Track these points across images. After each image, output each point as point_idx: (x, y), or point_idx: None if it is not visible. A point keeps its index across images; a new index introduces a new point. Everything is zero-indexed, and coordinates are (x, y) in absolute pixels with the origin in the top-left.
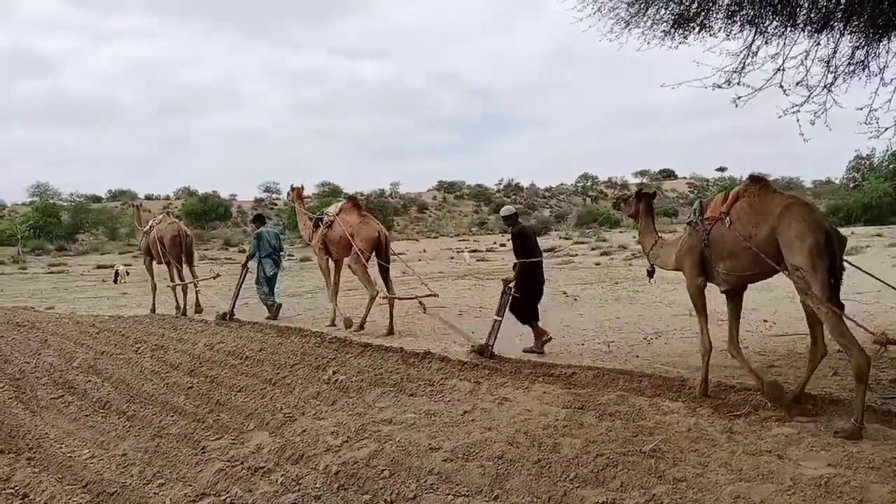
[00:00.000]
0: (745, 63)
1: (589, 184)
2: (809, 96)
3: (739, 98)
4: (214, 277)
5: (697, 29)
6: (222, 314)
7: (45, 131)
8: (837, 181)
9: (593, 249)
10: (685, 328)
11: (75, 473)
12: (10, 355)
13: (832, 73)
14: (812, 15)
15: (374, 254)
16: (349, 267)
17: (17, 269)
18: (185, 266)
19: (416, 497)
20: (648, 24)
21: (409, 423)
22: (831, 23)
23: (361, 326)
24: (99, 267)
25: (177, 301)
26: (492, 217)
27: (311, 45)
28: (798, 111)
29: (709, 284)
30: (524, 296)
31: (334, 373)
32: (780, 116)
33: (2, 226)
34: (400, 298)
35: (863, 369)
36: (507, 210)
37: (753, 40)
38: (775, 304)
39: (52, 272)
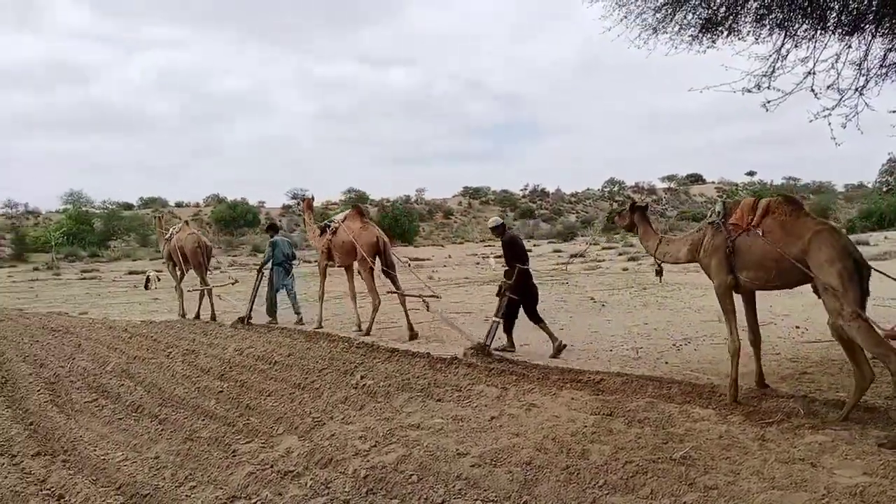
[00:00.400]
0: (774, 67)
1: (615, 189)
2: (841, 100)
3: (769, 102)
4: (233, 283)
5: (726, 33)
6: (239, 318)
7: (78, 140)
8: (870, 185)
9: (620, 255)
10: (715, 334)
11: (109, 475)
12: (46, 360)
13: (864, 75)
14: (843, 17)
15: (379, 260)
16: (359, 273)
17: (52, 276)
18: (203, 273)
19: (444, 502)
20: (676, 29)
21: (436, 428)
22: (863, 25)
23: (367, 333)
24: (131, 273)
25: (187, 307)
26: (517, 223)
27: (339, 53)
28: (829, 115)
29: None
30: (523, 302)
31: (362, 377)
32: (811, 121)
33: (36, 233)
34: (407, 295)
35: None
36: (493, 221)
37: (783, 44)
38: (808, 311)
39: (84, 278)
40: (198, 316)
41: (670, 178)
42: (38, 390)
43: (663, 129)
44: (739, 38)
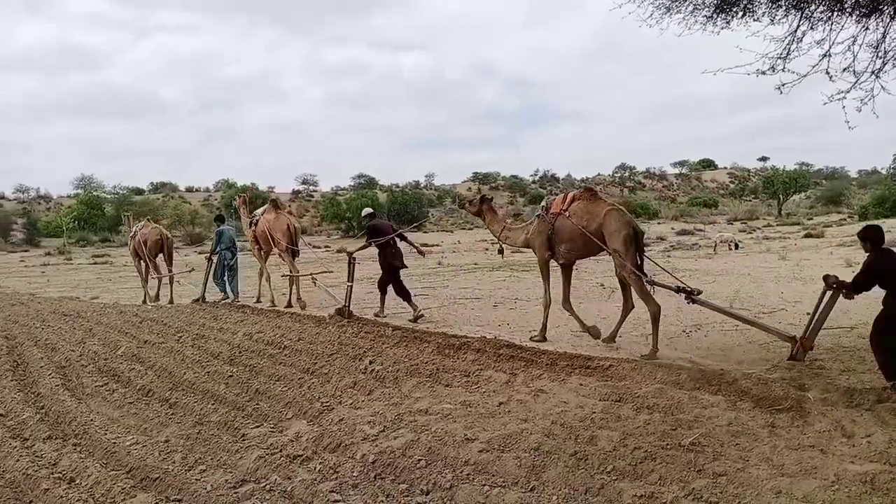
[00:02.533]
0: (789, 49)
1: (626, 174)
2: (856, 83)
3: (784, 85)
4: (190, 271)
5: (741, 13)
6: (194, 299)
7: (89, 125)
8: (884, 171)
9: None
10: (725, 321)
11: (119, 459)
12: (57, 344)
13: (881, 58)
14: None
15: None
16: (280, 256)
17: (63, 260)
18: (166, 264)
19: (452, 487)
20: (690, 9)
21: (444, 413)
22: (881, 6)
23: (272, 303)
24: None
25: (150, 295)
26: (527, 209)
27: (350, 37)
28: (844, 98)
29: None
30: (384, 274)
31: (371, 363)
32: (825, 103)
33: (48, 218)
34: (299, 275)
35: (656, 315)
36: (366, 210)
37: (799, 25)
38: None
39: (96, 263)
40: (157, 298)
41: (682, 164)
42: (50, 374)
43: (676, 114)
44: (754, 19)
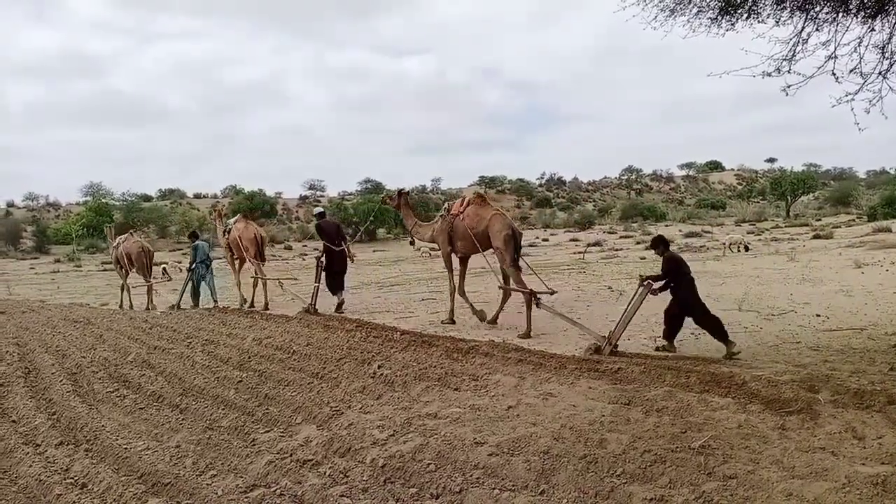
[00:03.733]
0: (795, 50)
1: (633, 177)
2: (864, 84)
3: (790, 86)
4: (168, 280)
5: (745, 15)
6: (171, 306)
7: (96, 131)
8: (892, 171)
9: (638, 244)
10: (734, 323)
11: (131, 464)
12: (68, 350)
13: (888, 59)
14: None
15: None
16: (250, 262)
17: (73, 267)
18: (146, 273)
19: (461, 491)
20: (694, 11)
21: (454, 417)
22: (886, 7)
23: (246, 303)
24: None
25: (127, 301)
26: (534, 212)
27: (354, 42)
28: (852, 99)
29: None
30: (326, 272)
31: (379, 367)
32: (833, 106)
33: (57, 225)
34: (266, 278)
35: (528, 301)
36: (317, 209)
37: (804, 27)
38: (829, 299)
39: (105, 270)
40: (135, 307)
41: (689, 166)
42: (61, 380)
43: (682, 116)
44: (759, 21)
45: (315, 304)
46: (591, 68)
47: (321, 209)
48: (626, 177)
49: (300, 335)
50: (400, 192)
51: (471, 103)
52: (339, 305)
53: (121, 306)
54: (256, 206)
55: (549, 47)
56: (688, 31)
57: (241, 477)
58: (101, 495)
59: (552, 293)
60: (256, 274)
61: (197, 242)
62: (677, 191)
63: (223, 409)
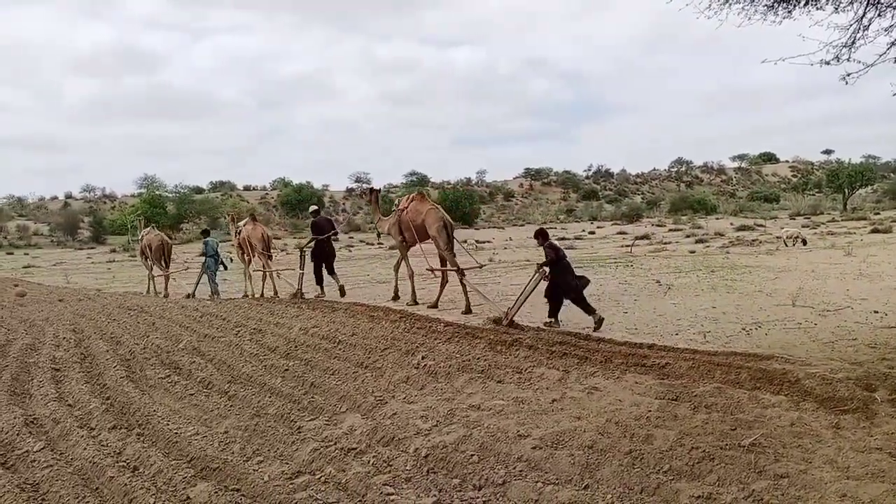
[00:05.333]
0: (855, 37)
1: (683, 169)
2: None
3: (849, 75)
4: (186, 269)
5: (803, 2)
6: (186, 294)
7: (150, 125)
8: None
9: (688, 237)
10: (787, 318)
11: (181, 449)
12: (122, 337)
13: None
14: None
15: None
16: (258, 258)
17: (128, 257)
18: (165, 263)
19: (504, 483)
20: None
21: (497, 409)
22: None
23: (252, 296)
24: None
25: (153, 288)
26: (580, 204)
27: (401, 34)
28: None
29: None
30: (315, 264)
31: (423, 358)
32: (894, 94)
33: (113, 216)
34: (271, 271)
35: (462, 281)
36: (312, 207)
37: (865, 12)
38: (887, 295)
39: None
40: (159, 292)
41: (741, 158)
42: (115, 366)
43: (734, 107)
44: (818, 8)
45: (301, 288)
46: (641, 58)
47: (315, 207)
48: (675, 169)
49: (345, 325)
50: (371, 190)
51: (517, 94)
52: (342, 290)
53: (147, 292)
54: (305, 199)
55: (597, 36)
56: (742, 19)
57: (287, 463)
58: (152, 478)
59: (481, 267)
60: (263, 268)
61: (207, 239)
62: (729, 183)
63: (270, 397)
